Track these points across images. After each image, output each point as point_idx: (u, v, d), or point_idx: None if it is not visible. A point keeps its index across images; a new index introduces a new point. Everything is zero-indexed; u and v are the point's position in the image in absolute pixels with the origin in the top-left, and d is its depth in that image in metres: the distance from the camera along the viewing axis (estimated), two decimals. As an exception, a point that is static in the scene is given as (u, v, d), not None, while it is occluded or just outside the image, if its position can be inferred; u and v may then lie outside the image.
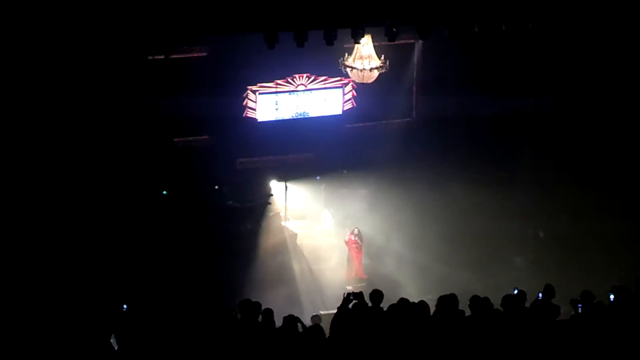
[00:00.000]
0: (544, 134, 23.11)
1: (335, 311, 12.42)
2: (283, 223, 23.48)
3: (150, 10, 17.50)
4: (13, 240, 18.65)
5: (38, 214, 19.41)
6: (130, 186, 20.85)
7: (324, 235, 23.95)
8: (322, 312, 18.63)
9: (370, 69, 21.15)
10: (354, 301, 12.33)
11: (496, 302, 12.21)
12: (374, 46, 21.17)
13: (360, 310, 12.27)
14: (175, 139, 22.10)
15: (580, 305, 12.74)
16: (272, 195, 23.76)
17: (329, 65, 21.95)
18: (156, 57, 20.62)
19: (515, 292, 12.97)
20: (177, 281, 19.66)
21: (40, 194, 19.63)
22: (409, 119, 24.28)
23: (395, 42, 20.12)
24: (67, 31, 17.64)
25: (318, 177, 23.84)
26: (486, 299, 11.96)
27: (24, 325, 13.42)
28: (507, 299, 12.10)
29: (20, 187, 19.27)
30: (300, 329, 11.92)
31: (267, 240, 22.40)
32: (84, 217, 20.08)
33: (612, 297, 12.66)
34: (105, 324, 12.79)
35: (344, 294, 12.38)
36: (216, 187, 22.86)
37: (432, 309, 12.28)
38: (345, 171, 23.71)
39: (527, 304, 12.81)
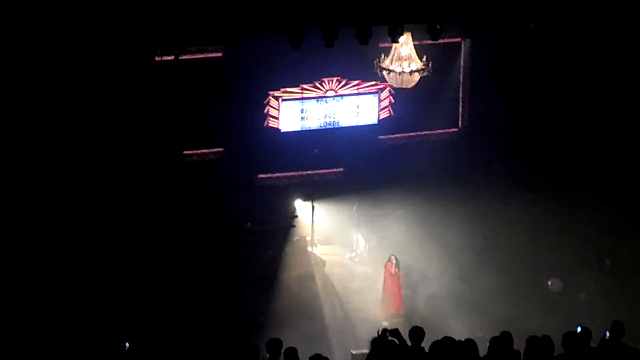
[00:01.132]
0: (613, 143, 22.96)
1: (367, 351, 12.30)
2: (309, 249, 23.39)
3: (157, 3, 17.54)
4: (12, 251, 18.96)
5: (40, 235, 19.71)
6: (134, 205, 20.90)
7: (356, 264, 23.84)
8: (353, 352, 18.53)
9: (410, 72, 21.06)
10: (391, 339, 12.21)
11: (556, 341, 12.03)
12: (415, 46, 21.09)
13: (398, 349, 12.14)
14: (186, 152, 22.11)
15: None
16: (296, 216, 23.69)
17: (363, 68, 21.90)
18: (164, 58, 20.67)
19: (579, 329, 12.80)
20: (187, 315, 19.63)
21: (41, 213, 19.88)
22: (455, 130, 24.17)
23: (439, 41, 20.05)
24: (66, 26, 17.78)
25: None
26: (546, 338, 11.79)
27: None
28: (569, 337, 11.92)
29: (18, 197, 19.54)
30: (328, 371, 11.81)
31: (291, 269, 22.30)
32: (86, 240, 20.22)
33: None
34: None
35: (378, 330, 12.27)
36: (247, 224, 22.85)
37: (482, 350, 12.15)
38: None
39: (593, 344, 12.63)
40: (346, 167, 23.84)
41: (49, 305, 18.96)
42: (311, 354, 11.89)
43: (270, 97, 22.87)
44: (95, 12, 17.36)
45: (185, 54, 21.07)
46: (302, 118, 23.29)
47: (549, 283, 21.98)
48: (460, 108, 24.09)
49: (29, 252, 19.38)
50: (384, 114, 23.76)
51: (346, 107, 23.48)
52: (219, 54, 21.73)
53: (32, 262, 19.31)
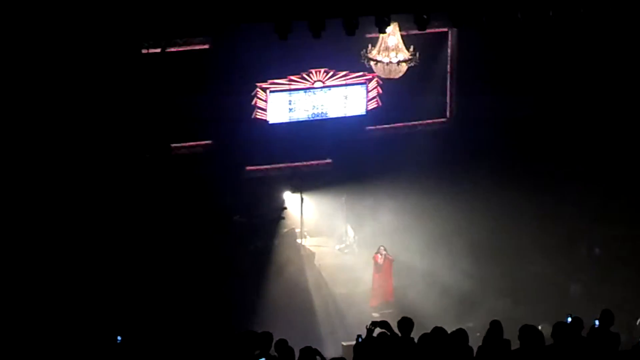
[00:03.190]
0: (601, 132, 22.98)
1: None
2: (299, 241, 23.36)
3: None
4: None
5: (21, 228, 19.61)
6: (121, 199, 20.84)
7: (345, 255, 23.82)
8: (344, 344, 18.52)
9: (398, 63, 21.03)
10: (380, 331, 12.22)
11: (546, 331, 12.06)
12: (402, 36, 21.06)
13: (388, 341, 12.14)
14: (174, 145, 22.06)
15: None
16: (285, 208, 23.66)
17: (350, 59, 21.89)
18: (151, 50, 20.60)
19: (569, 319, 12.81)
20: (176, 309, 19.59)
21: (28, 206, 19.84)
22: (442, 120, 24.17)
23: (426, 31, 20.05)
24: (52, 20, 17.72)
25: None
26: (535, 328, 11.81)
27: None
28: (560, 327, 11.94)
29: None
30: (319, 363, 11.82)
31: (281, 261, 22.28)
32: (74, 234, 20.17)
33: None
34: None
35: (367, 326, 12.26)
36: (236, 217, 22.81)
37: (472, 339, 12.16)
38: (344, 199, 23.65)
39: (583, 333, 12.65)
40: (334, 159, 23.81)
41: (34, 294, 18.89)
42: (302, 346, 11.89)
43: (258, 89, 22.81)
44: (82, 5, 17.29)
45: (172, 46, 20.98)
46: (290, 109, 23.24)
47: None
48: (448, 98, 24.07)
49: (14, 241, 19.34)
50: (372, 105, 23.73)
51: (334, 98, 23.43)
52: (206, 46, 21.68)
53: (16, 250, 19.26)
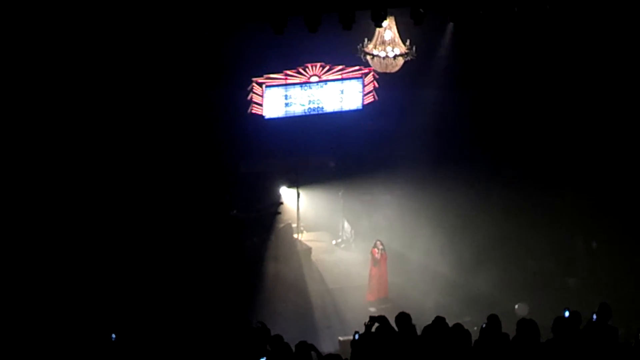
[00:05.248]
0: (599, 127, 22.93)
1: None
2: (295, 235, 23.33)
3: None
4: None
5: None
6: (116, 193, 20.83)
7: (342, 249, 23.81)
8: (341, 338, 18.48)
9: (394, 57, 20.97)
10: (377, 325, 12.18)
11: (546, 324, 12.02)
12: (398, 30, 21.00)
13: (385, 336, 12.10)
14: (169, 139, 22.01)
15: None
16: (282, 203, 23.63)
17: (347, 53, 21.80)
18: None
19: (567, 313, 12.77)
20: (172, 303, 19.54)
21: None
22: (439, 114, 24.08)
23: (423, 25, 19.98)
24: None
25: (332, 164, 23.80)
26: (532, 322, 11.77)
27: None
28: (558, 321, 11.89)
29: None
30: (314, 358, 11.75)
31: (277, 256, 22.25)
32: (72, 224, 20.17)
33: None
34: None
35: (365, 322, 12.23)
36: (232, 212, 22.78)
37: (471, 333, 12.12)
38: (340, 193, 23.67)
39: (581, 327, 12.61)
40: (331, 153, 23.78)
41: (30, 291, 18.87)
42: (297, 341, 11.84)
43: (254, 84, 22.77)
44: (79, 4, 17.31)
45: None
46: (287, 104, 23.21)
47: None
48: (445, 93, 23.99)
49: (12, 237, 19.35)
50: (369, 99, 23.70)
51: (330, 92, 23.42)
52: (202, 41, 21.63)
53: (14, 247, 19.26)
